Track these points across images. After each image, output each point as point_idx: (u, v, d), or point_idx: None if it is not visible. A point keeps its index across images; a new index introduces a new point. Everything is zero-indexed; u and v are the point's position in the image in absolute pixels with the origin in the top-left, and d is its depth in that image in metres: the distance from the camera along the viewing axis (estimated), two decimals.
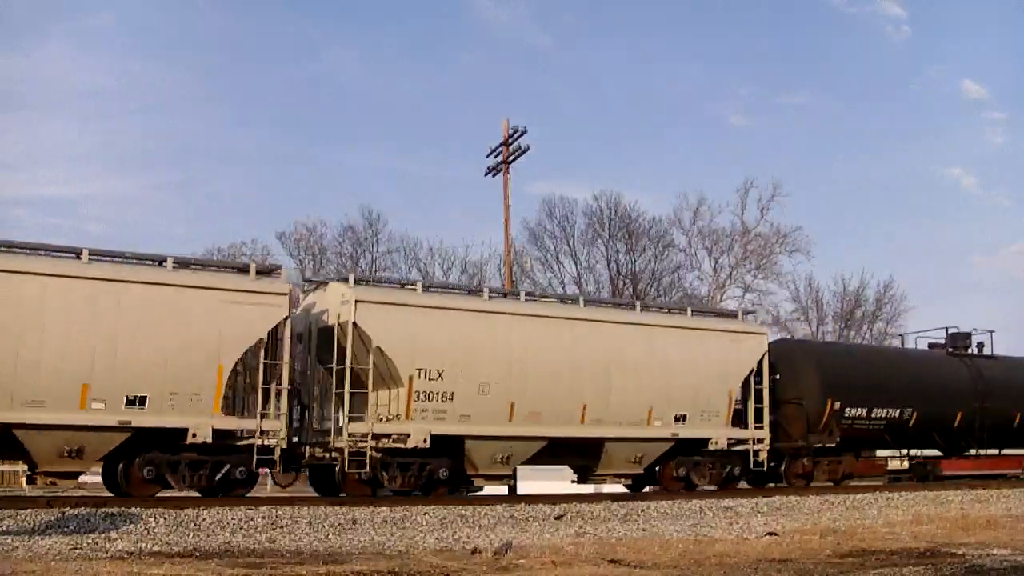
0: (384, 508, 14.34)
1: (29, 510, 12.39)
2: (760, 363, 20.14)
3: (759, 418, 20.08)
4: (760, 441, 19.92)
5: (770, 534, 12.95)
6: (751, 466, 19.98)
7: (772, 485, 21.54)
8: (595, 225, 55.45)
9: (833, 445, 21.39)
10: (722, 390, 19.53)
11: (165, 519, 12.37)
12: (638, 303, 20.79)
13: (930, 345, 26.87)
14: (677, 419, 18.82)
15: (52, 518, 11.97)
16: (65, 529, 11.43)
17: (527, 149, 31.36)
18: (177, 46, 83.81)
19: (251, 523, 12.63)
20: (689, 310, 20.79)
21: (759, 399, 20.13)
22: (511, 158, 31.67)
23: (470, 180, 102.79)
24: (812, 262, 72.52)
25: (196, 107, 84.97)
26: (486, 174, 32.69)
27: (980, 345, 26.46)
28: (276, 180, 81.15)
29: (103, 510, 12.57)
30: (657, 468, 19.67)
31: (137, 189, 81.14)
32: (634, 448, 18.64)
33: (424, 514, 14.05)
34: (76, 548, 10.10)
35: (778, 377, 20.91)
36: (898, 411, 22.58)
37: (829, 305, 59.35)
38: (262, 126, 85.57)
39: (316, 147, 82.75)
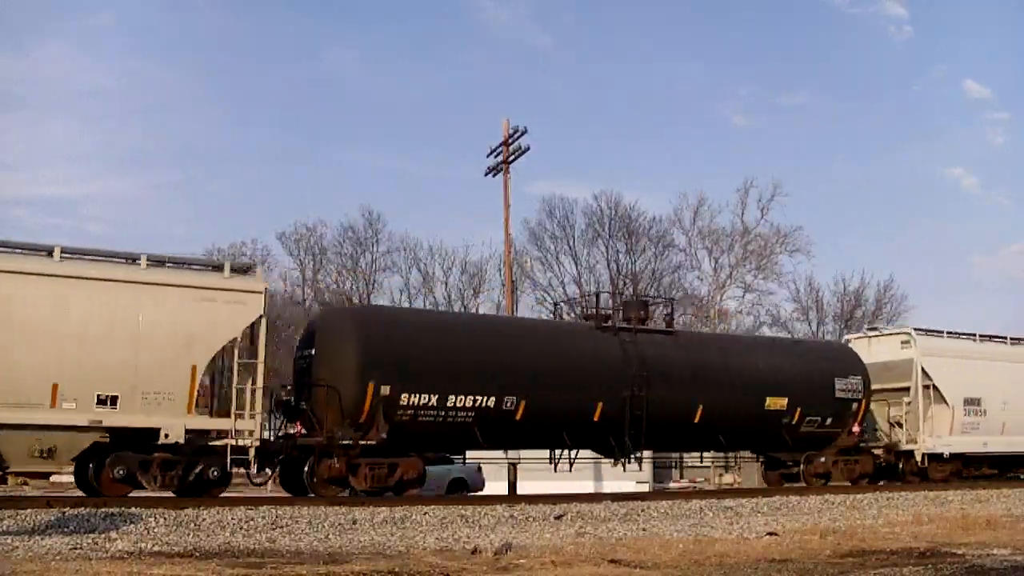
0: (384, 508, 14.34)
1: (29, 510, 12.39)
2: (254, 330, 15.67)
3: (245, 405, 15.55)
4: (249, 434, 15.31)
5: (770, 534, 12.95)
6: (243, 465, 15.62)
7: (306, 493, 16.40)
8: (595, 225, 55.52)
9: (375, 443, 16.09)
10: (181, 365, 14.92)
11: (165, 519, 12.37)
12: (55, 247, 14.84)
13: (586, 318, 21.18)
14: (102, 401, 14.39)
15: (52, 518, 11.97)
16: (65, 529, 11.43)
17: (527, 149, 31.41)
18: (177, 46, 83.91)
19: (251, 523, 12.63)
20: (144, 258, 15.22)
21: (251, 379, 15.67)
22: (511, 158, 31.69)
23: (470, 180, 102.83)
24: (812, 262, 72.71)
25: (196, 107, 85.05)
26: (486, 174, 32.73)
27: (669, 318, 21.56)
28: (276, 180, 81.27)
29: (103, 510, 12.56)
30: (91, 467, 14.90)
31: (137, 189, 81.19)
32: (37, 440, 14.00)
33: (424, 514, 14.05)
34: (76, 548, 10.10)
35: (313, 352, 16.93)
36: (493, 399, 17.07)
37: (829, 305, 59.42)
38: (262, 126, 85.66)
39: (316, 147, 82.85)
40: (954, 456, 23.11)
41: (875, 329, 26.36)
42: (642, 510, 15.82)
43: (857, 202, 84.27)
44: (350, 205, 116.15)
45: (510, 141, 31.63)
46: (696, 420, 19.45)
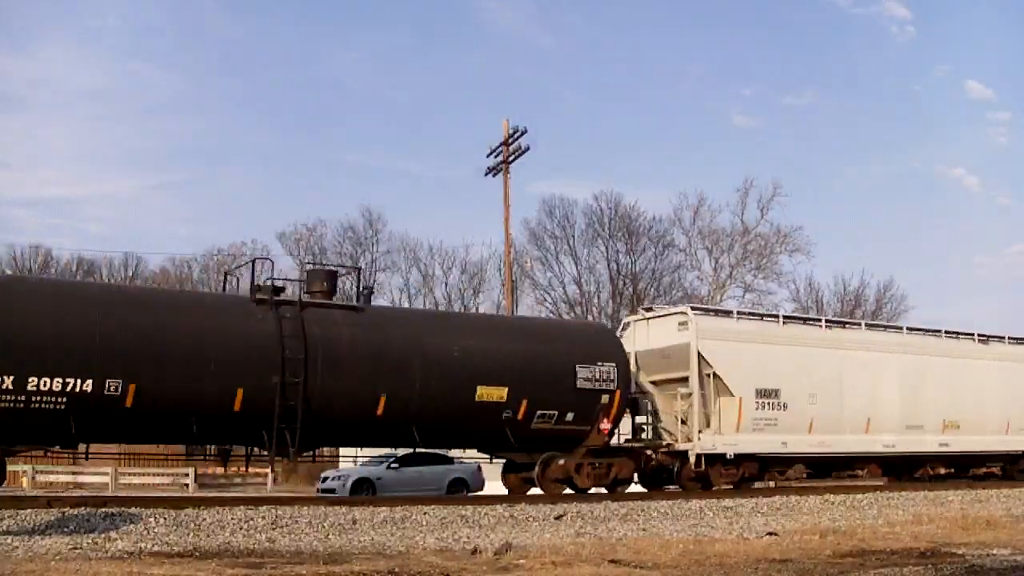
0: (384, 508, 14.34)
1: (29, 510, 12.39)
2: None
3: None
4: None
5: (770, 534, 12.94)
6: None
7: None
8: (595, 225, 55.64)
9: None
10: None
11: (165, 519, 12.37)
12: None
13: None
14: None
15: (52, 518, 11.97)
16: (65, 529, 11.43)
17: (527, 149, 31.46)
18: (178, 47, 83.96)
19: (251, 523, 12.63)
20: None
21: None
22: (511, 158, 31.72)
23: (470, 180, 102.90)
24: (812, 262, 72.79)
25: (197, 107, 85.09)
26: (486, 174, 32.78)
27: (367, 292, 18.14)
28: (276, 180, 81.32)
29: (103, 510, 12.56)
30: None
31: (137, 189, 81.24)
32: None
33: (424, 514, 14.05)
34: (76, 548, 10.10)
35: None
36: (92, 382, 14.02)
37: (829, 305, 59.48)
38: (262, 126, 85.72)
39: (316, 147, 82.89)
40: (746, 458, 19.96)
41: (651, 308, 22.84)
42: (642, 510, 15.81)
43: (857, 202, 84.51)
44: (350, 205, 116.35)
45: (510, 141, 31.65)
46: (379, 413, 16.14)
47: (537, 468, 18.00)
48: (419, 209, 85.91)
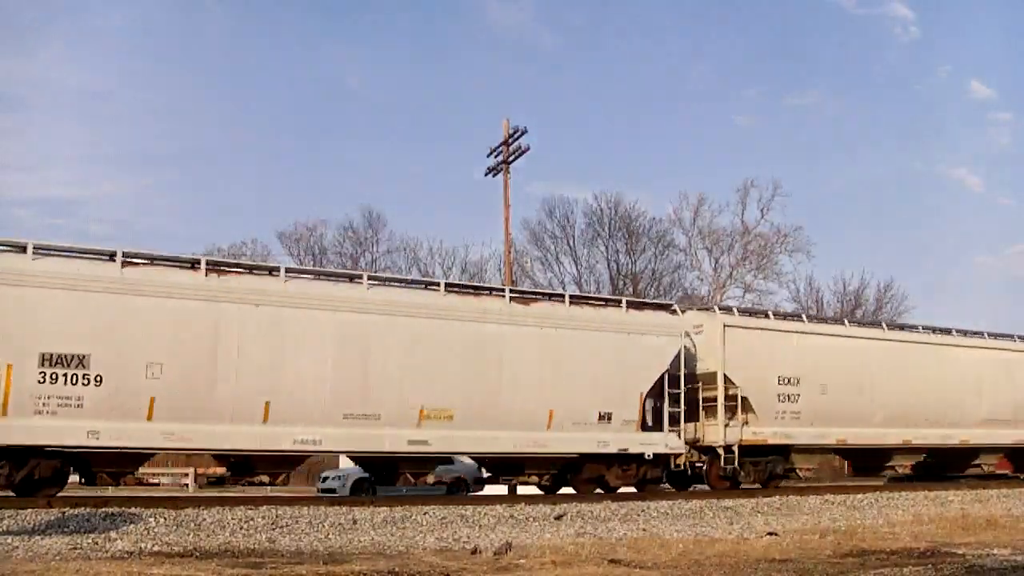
0: (384, 508, 14.35)
1: (29, 510, 12.40)
2: None
3: None
4: None
5: (770, 534, 12.93)
6: None
7: None
8: (595, 225, 55.62)
9: None
10: None
11: (165, 519, 12.38)
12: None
13: None
14: None
15: (52, 518, 11.98)
16: (65, 529, 11.43)
17: (527, 149, 31.44)
18: (179, 46, 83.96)
19: (251, 523, 12.64)
20: None
21: None
22: (511, 158, 31.71)
23: (470, 180, 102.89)
24: (812, 262, 72.83)
25: (197, 107, 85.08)
26: (486, 174, 32.77)
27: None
28: (276, 180, 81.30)
29: (103, 510, 12.58)
30: None
31: (138, 189, 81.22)
32: None
33: (424, 514, 14.06)
34: (76, 548, 10.09)
35: None
36: None
37: (829, 305, 59.52)
38: (263, 126, 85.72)
39: (316, 147, 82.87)
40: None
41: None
42: (642, 510, 15.82)
43: (858, 202, 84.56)
44: (350, 205, 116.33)
45: (510, 141, 31.65)
46: None
47: None
48: (419, 209, 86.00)
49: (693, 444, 20.40)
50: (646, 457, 19.00)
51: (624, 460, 18.99)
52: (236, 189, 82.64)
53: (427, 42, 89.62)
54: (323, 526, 12.74)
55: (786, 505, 17.51)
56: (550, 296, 19.86)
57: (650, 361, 19.15)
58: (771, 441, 20.71)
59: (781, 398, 20.94)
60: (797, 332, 21.77)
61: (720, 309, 21.72)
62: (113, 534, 11.17)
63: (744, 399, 20.27)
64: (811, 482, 23.30)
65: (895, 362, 23.02)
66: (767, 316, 22.11)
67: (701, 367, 20.57)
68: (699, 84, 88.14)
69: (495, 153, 32.28)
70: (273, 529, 12.38)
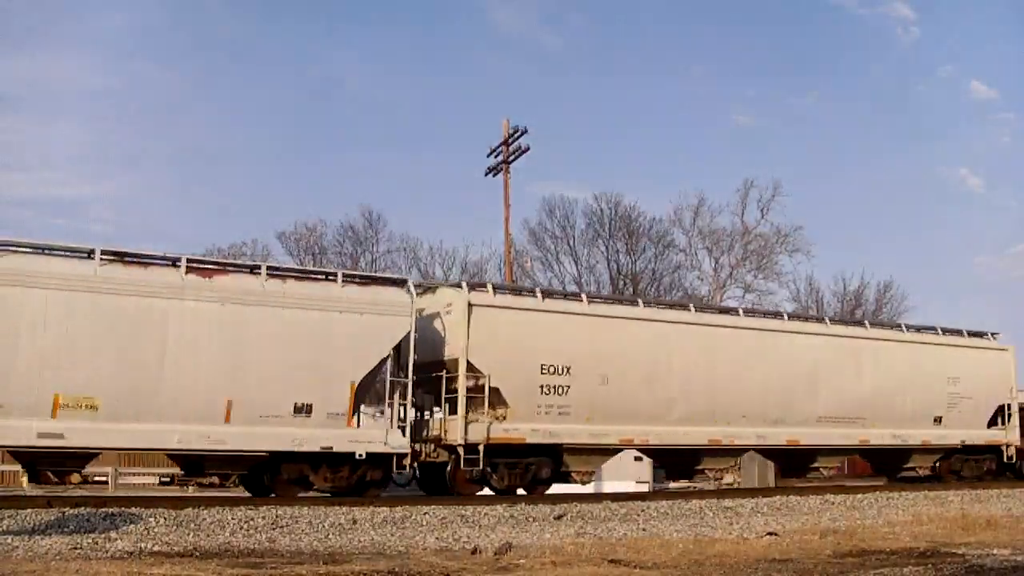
0: (384, 508, 14.36)
1: (29, 510, 12.41)
2: None
3: None
4: None
5: (770, 534, 12.94)
6: None
7: None
8: (595, 225, 55.55)
9: None
10: None
11: (165, 519, 12.39)
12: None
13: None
14: None
15: (52, 518, 11.98)
16: (65, 529, 11.44)
17: (527, 149, 31.44)
18: (179, 47, 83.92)
19: (251, 523, 12.65)
20: None
21: None
22: (511, 158, 31.71)
23: (470, 180, 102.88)
24: (812, 262, 72.76)
25: (197, 107, 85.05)
26: (486, 174, 32.77)
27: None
28: (276, 180, 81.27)
29: (103, 510, 12.58)
30: None
31: (138, 189, 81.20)
32: None
33: (424, 514, 14.07)
34: (76, 548, 10.10)
35: None
36: None
37: (829, 305, 59.43)
38: (263, 126, 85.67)
39: (316, 147, 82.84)
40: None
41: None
42: (642, 510, 15.84)
43: (859, 202, 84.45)
44: (350, 205, 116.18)
45: (510, 141, 31.65)
46: None
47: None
48: (419, 209, 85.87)
49: (438, 442, 17.46)
50: (357, 457, 16.10)
51: (335, 460, 16.16)
52: (236, 189, 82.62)
53: (427, 42, 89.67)
54: (323, 526, 12.74)
55: (786, 505, 17.53)
56: (244, 268, 16.81)
57: (366, 344, 16.21)
58: (530, 440, 17.59)
59: (545, 390, 17.73)
60: (568, 313, 18.52)
61: (472, 286, 17.97)
62: (113, 534, 11.17)
63: (494, 390, 17.21)
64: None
65: (701, 349, 19.90)
66: (533, 295, 18.74)
67: (449, 352, 17.55)
68: (699, 84, 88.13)
69: (495, 153, 32.29)
70: (273, 529, 12.39)
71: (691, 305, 21.81)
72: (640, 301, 20.62)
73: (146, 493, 22.05)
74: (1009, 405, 25.22)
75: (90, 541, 10.60)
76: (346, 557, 10.08)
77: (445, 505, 15.14)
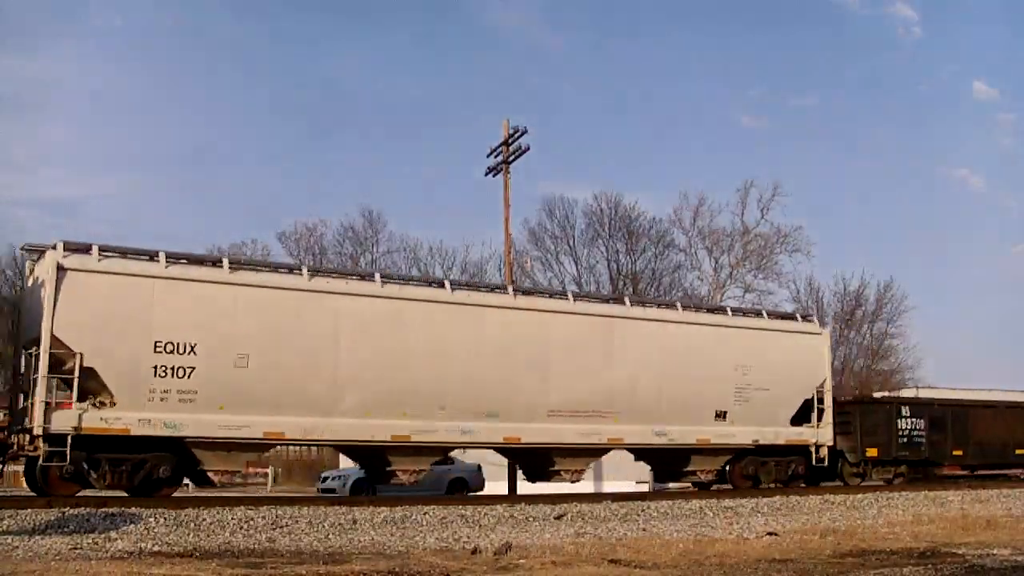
0: (384, 508, 14.36)
1: (29, 510, 12.40)
2: None
3: None
4: None
5: (770, 534, 12.94)
6: None
7: None
8: (595, 225, 55.62)
9: None
10: None
11: (165, 519, 12.38)
12: None
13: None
14: None
15: (52, 518, 11.98)
16: (65, 529, 11.44)
17: (527, 149, 31.36)
18: (179, 47, 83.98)
19: (251, 523, 12.65)
20: None
21: None
22: (511, 158, 31.65)
23: (470, 180, 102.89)
24: (812, 262, 72.86)
25: (197, 107, 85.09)
26: (486, 174, 32.70)
27: None
28: (276, 180, 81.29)
29: (103, 510, 12.58)
30: None
31: (138, 189, 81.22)
32: None
33: (424, 514, 14.07)
34: (76, 548, 10.10)
35: None
36: None
37: (829, 305, 59.46)
38: (263, 126, 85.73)
39: (316, 147, 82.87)
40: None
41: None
42: (642, 510, 15.84)
43: (859, 202, 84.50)
44: (350, 205, 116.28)
45: (510, 141, 31.59)
46: None
47: None
48: (419, 209, 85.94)
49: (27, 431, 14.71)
50: None
51: None
52: (236, 189, 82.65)
53: (427, 42, 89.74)
54: (323, 526, 12.74)
55: (786, 505, 17.53)
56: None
57: None
58: (138, 432, 14.77)
59: (161, 372, 14.97)
60: (196, 280, 15.66)
61: (70, 247, 14.99)
62: (113, 534, 11.17)
63: (90, 371, 14.57)
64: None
65: (385, 326, 16.77)
66: (154, 259, 15.57)
67: (43, 327, 14.55)
68: (700, 84, 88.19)
69: (495, 153, 32.23)
70: (273, 529, 12.39)
71: (376, 276, 17.55)
72: (305, 270, 17.06)
73: None
74: (821, 399, 21.45)
75: (90, 541, 10.60)
76: (346, 557, 10.08)
77: (445, 505, 15.15)
